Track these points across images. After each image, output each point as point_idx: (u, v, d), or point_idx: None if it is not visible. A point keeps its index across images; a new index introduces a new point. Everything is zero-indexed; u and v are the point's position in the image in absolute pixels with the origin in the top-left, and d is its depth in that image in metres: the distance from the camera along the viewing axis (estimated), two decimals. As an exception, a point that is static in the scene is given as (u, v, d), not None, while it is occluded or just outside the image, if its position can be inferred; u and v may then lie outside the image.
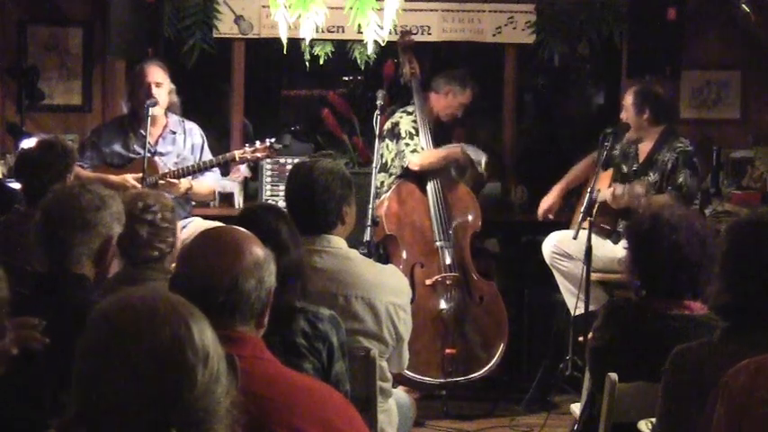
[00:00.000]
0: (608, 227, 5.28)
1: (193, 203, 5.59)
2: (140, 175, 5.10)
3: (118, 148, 5.36)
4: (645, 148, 5.41)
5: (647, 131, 5.38)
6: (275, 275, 2.20)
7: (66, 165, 4.27)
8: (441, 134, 5.65)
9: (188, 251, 2.20)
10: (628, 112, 5.38)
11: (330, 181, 3.33)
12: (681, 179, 5.23)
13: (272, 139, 5.32)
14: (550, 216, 5.58)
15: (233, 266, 2.11)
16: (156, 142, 5.35)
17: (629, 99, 5.40)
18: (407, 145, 5.47)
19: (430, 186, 5.44)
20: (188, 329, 1.49)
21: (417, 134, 5.49)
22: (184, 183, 5.23)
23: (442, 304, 5.31)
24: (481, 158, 5.59)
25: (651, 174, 5.29)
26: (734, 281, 2.51)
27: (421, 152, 5.45)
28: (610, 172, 5.45)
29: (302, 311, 2.81)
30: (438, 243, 5.38)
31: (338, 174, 3.37)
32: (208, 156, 5.44)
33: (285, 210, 3.19)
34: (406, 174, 5.48)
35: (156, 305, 1.50)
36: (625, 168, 5.44)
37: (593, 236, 4.95)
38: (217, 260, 2.12)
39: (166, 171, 5.22)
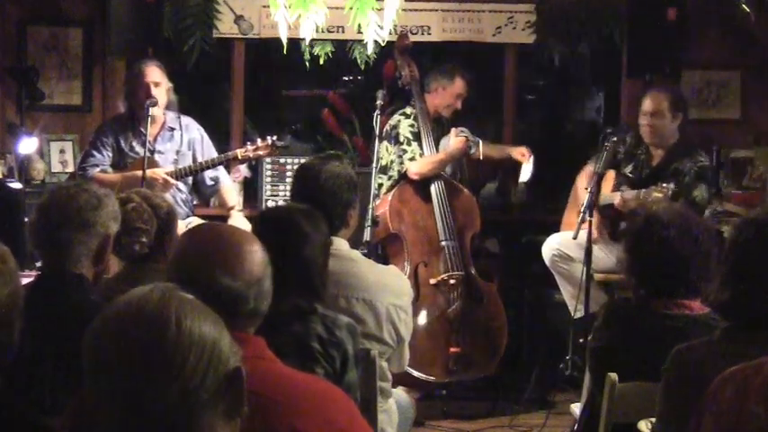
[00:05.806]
0: (607, 229, 5.27)
1: (195, 202, 5.60)
2: (171, 169, 5.23)
3: (118, 146, 5.40)
4: (658, 153, 5.31)
5: (672, 137, 5.27)
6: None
7: None
8: (442, 134, 5.65)
9: (194, 256, 2.10)
10: (661, 118, 5.20)
11: (337, 186, 3.32)
12: (697, 193, 5.14)
13: (274, 137, 5.33)
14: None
15: (254, 271, 2.08)
16: (155, 140, 5.39)
17: (663, 104, 5.21)
18: (405, 152, 5.46)
19: (434, 188, 5.43)
20: (192, 329, 1.47)
21: (416, 139, 5.48)
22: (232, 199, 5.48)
23: (447, 303, 5.31)
24: (477, 140, 5.59)
25: (668, 182, 5.07)
26: (735, 279, 2.50)
27: (419, 160, 5.43)
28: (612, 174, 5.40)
29: (321, 316, 2.78)
30: (444, 242, 5.37)
31: (345, 178, 3.35)
32: (211, 149, 5.49)
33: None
34: (407, 176, 5.47)
35: (162, 305, 1.49)
36: (630, 173, 5.33)
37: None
38: (240, 267, 2.06)
39: (172, 169, 5.25)
